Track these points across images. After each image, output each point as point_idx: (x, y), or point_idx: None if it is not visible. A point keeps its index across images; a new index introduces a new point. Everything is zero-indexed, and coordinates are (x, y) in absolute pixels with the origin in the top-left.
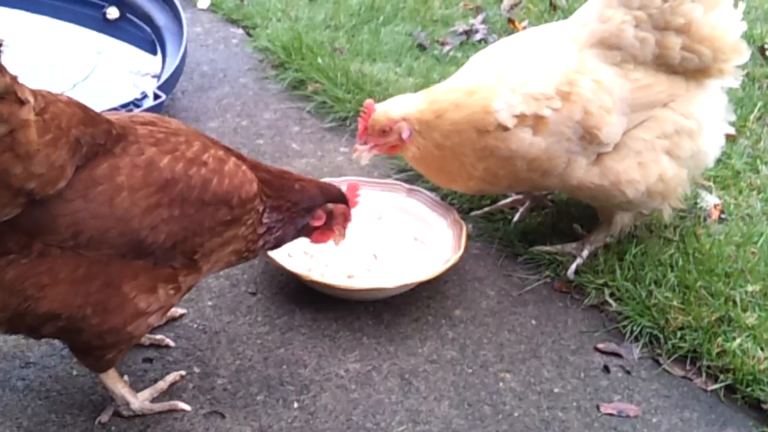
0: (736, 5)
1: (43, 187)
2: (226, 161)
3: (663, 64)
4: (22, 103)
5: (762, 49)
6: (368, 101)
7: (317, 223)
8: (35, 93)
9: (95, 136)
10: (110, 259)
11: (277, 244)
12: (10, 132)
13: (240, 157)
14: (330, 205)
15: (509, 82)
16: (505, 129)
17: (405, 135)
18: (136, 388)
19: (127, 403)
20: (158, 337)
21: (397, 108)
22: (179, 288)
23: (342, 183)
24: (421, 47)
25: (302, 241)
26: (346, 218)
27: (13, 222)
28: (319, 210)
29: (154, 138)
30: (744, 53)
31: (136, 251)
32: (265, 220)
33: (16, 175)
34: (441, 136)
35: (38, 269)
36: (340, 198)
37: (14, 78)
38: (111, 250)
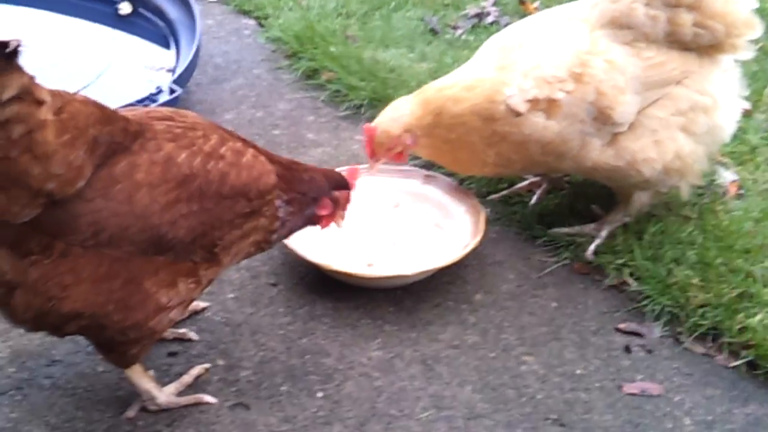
0: None
1: (62, 187)
2: (244, 153)
3: (675, 42)
4: (39, 103)
5: None
6: (365, 126)
7: (324, 212)
8: (52, 93)
9: (113, 135)
10: (131, 256)
11: (288, 235)
12: (27, 132)
13: (256, 149)
14: (336, 193)
15: (521, 66)
16: (518, 114)
17: (410, 142)
18: (161, 382)
19: (153, 398)
20: (182, 330)
21: (396, 124)
22: (200, 282)
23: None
24: (433, 32)
25: (320, 231)
26: (348, 201)
27: (34, 223)
28: (325, 198)
29: (172, 133)
30: (757, 27)
31: (156, 247)
32: (280, 212)
33: (35, 176)
34: (445, 131)
35: (60, 269)
36: (343, 184)
37: (31, 78)
38: (132, 247)
